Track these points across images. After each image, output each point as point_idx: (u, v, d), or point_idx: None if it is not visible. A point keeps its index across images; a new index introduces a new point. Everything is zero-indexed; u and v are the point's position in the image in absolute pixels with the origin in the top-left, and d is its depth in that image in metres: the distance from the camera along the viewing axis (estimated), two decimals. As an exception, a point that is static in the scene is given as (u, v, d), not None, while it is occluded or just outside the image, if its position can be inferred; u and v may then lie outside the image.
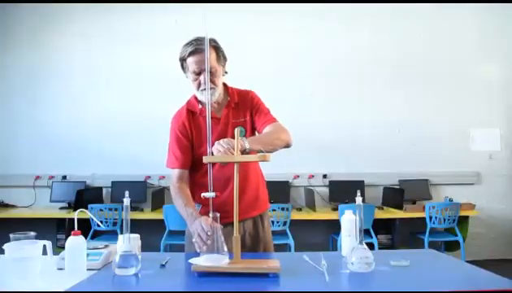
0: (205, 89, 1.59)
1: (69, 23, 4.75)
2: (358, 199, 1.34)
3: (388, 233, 4.29)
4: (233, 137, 1.39)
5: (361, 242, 1.33)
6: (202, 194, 1.50)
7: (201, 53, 1.56)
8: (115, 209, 3.87)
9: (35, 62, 4.74)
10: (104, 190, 4.57)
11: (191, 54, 1.62)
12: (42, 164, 4.61)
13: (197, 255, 1.35)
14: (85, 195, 4.20)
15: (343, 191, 4.41)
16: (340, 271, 1.33)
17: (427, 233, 3.96)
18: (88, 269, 1.32)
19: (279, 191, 4.39)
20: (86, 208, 3.56)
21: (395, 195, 4.31)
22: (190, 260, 1.31)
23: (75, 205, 4.04)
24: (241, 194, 1.39)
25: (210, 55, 1.57)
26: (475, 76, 4.78)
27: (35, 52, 4.74)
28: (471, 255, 4.45)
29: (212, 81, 1.64)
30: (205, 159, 1.40)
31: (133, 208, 4.11)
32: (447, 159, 4.72)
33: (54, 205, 4.43)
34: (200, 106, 1.74)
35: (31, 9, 4.73)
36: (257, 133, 1.76)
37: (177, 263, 1.45)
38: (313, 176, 4.60)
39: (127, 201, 1.31)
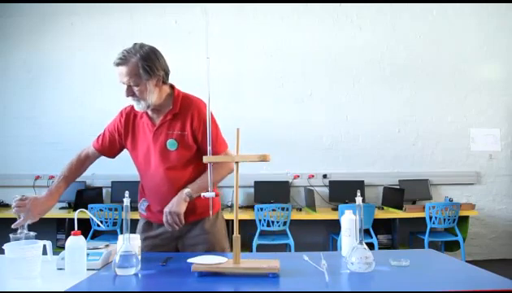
0: (134, 99, 1.62)
1: (69, 23, 4.75)
2: (358, 199, 1.34)
3: (388, 233, 4.29)
4: (164, 148, 1.62)
5: (361, 242, 1.33)
6: (202, 194, 1.53)
7: (124, 66, 1.57)
8: (115, 209, 3.87)
9: (35, 62, 4.73)
10: (104, 190, 4.57)
11: (117, 65, 1.59)
12: (42, 164, 4.61)
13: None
14: (85, 195, 4.20)
15: (343, 191, 4.41)
16: (340, 271, 1.33)
17: (427, 233, 3.95)
18: (88, 269, 1.33)
19: (279, 191, 4.37)
20: (86, 208, 3.54)
21: (395, 195, 4.31)
22: (190, 260, 1.31)
23: (75, 205, 4.04)
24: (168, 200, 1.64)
25: (132, 68, 1.57)
26: (475, 76, 4.78)
27: (35, 52, 4.73)
28: (471, 255, 4.46)
29: (134, 93, 1.60)
30: (205, 159, 1.41)
31: (133, 208, 4.10)
32: (447, 159, 4.72)
33: (54, 205, 4.42)
34: (142, 110, 1.68)
35: (31, 9, 4.73)
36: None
37: (177, 263, 1.46)
38: (313, 176, 4.59)
39: (127, 201, 1.32)
